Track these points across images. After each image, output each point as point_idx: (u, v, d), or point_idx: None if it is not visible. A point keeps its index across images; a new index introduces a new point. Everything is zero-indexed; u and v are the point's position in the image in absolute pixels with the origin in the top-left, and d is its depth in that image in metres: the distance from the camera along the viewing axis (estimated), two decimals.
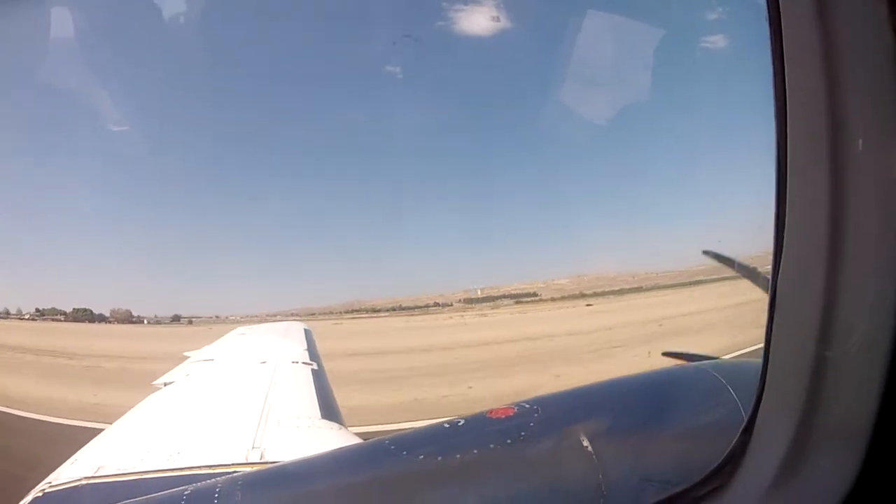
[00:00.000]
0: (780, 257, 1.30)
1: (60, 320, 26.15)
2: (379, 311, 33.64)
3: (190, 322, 28.54)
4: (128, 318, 28.03)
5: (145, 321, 28.40)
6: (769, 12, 1.26)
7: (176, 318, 28.69)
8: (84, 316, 26.76)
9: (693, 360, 2.94)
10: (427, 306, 33.41)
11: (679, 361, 3.16)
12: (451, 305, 33.81)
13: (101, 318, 27.18)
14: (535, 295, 34.31)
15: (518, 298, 34.12)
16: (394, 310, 33.50)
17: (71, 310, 26.67)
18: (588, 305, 29.68)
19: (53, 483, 2.48)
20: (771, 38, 1.26)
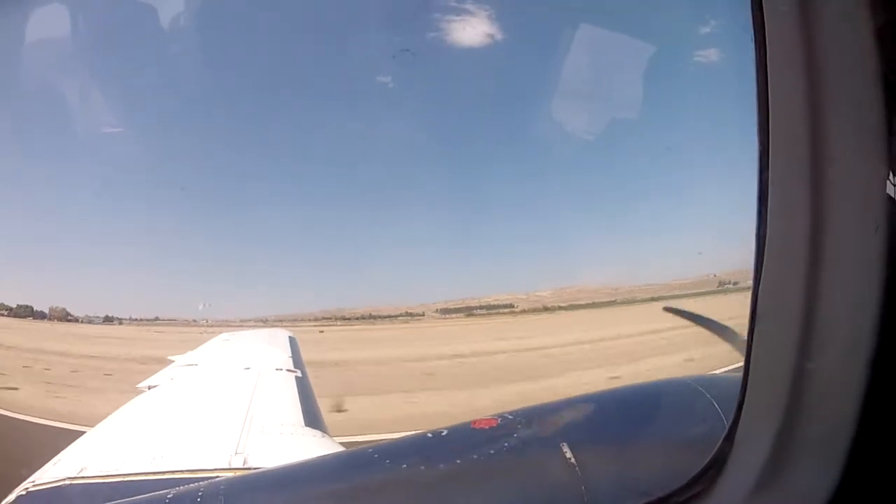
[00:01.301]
0: (761, 269, 1.32)
1: (4, 315, 27.02)
2: (349, 319, 33.50)
3: (121, 323, 28.97)
4: (64, 317, 28.69)
5: (79, 320, 28.87)
6: (753, 25, 1.29)
7: (108, 319, 29.19)
8: (26, 312, 27.65)
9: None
10: (395, 316, 33.31)
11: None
12: (423, 315, 33.67)
13: (42, 315, 28.11)
14: (511, 306, 34.27)
15: (494, 310, 34.06)
16: (363, 318, 33.35)
17: (15, 306, 27.54)
18: (320, 332, 28.40)
19: (37, 482, 2.47)
20: (755, 51, 1.29)
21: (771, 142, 1.27)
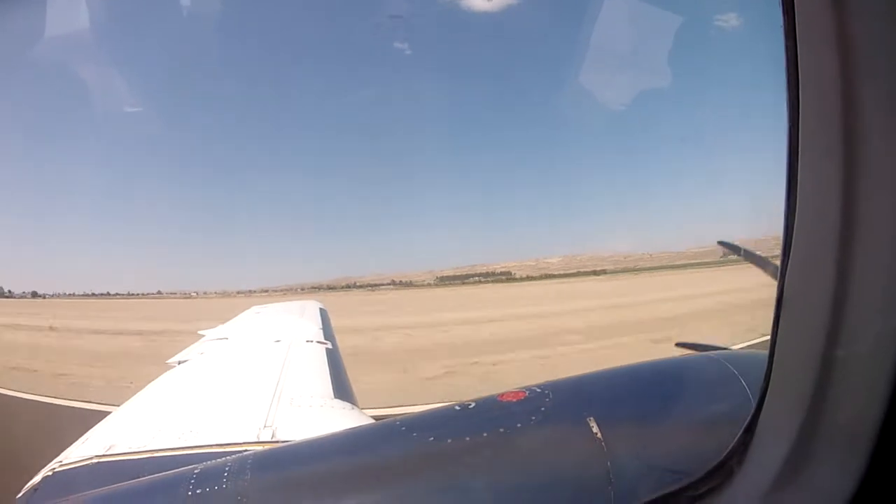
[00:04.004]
0: (789, 252, 1.27)
1: None
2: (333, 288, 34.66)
3: (44, 297, 32.84)
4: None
5: (13, 295, 33.04)
6: (783, 1, 1.22)
7: (34, 294, 32.07)
8: None
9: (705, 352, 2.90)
10: (378, 285, 34.24)
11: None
12: (412, 284, 34.36)
13: None
14: (509, 274, 34.77)
15: (495, 278, 34.59)
16: (347, 288, 34.37)
17: None
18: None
19: (64, 462, 2.50)
20: (785, 26, 1.23)
21: (801, 118, 1.22)
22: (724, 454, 1.43)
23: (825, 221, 1.18)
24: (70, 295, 33.01)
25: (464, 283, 34.18)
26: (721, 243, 3.09)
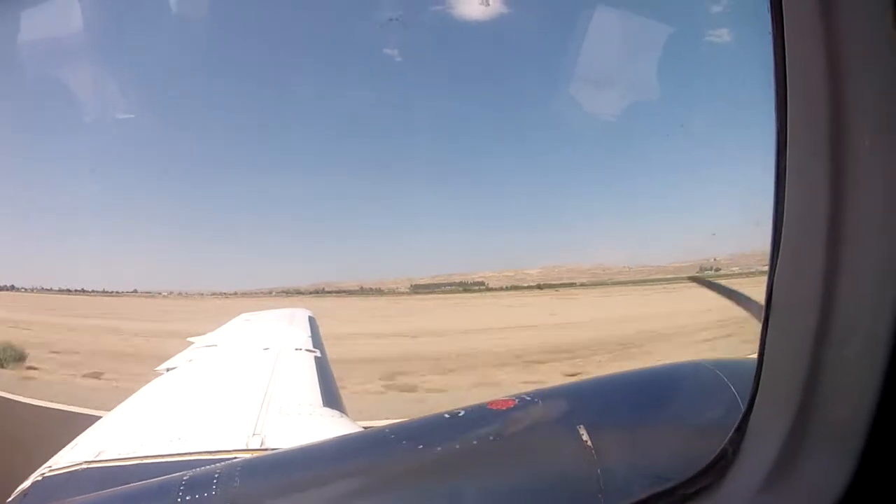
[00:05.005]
0: (778, 255, 1.29)
1: None
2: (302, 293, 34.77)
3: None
4: None
5: None
6: (771, 5, 1.25)
7: None
8: None
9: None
10: (348, 291, 34.36)
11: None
12: (381, 291, 34.41)
13: None
14: (481, 284, 34.88)
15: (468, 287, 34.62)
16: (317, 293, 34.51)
17: None
18: None
19: (53, 467, 2.49)
20: (773, 31, 1.25)
21: (789, 125, 1.24)
22: (716, 454, 1.44)
23: (813, 224, 1.19)
24: (48, 290, 33.18)
25: (417, 293, 34.09)
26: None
